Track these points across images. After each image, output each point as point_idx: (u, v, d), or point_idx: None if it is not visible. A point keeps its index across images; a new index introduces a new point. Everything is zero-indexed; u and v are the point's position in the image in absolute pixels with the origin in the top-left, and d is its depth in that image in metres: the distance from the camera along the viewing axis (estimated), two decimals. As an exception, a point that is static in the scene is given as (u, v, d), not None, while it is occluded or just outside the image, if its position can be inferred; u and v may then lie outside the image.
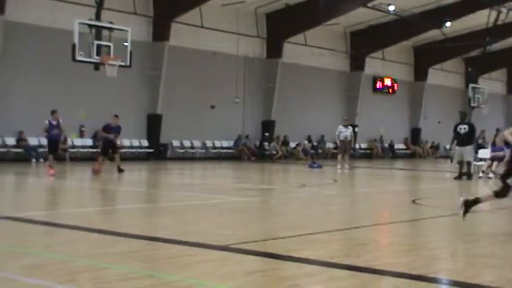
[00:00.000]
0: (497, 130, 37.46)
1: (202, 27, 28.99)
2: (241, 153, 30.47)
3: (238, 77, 30.70)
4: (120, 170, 18.72)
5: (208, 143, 30.12)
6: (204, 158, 29.28)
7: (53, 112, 18.14)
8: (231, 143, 30.79)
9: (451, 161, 27.25)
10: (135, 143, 27.77)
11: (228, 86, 30.46)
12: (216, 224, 9.43)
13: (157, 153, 27.97)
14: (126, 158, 25.94)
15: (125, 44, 21.94)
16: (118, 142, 19.37)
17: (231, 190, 15.74)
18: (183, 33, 28.19)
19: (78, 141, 26.36)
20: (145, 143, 28.06)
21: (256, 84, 31.67)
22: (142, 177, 20.82)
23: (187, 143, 29.39)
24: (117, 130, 19.04)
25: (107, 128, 19.06)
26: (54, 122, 17.93)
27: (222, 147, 30.60)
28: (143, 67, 26.79)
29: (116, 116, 19.12)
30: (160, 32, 27.61)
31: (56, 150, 18.71)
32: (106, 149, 19.00)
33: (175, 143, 29.07)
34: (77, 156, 25.72)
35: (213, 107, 29.82)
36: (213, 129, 29.96)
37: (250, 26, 31.43)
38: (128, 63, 22.19)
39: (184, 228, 8.86)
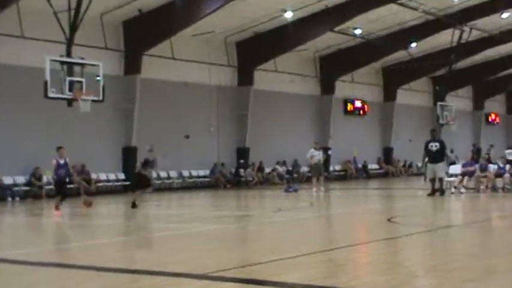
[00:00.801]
0: (474, 145, 38.22)
1: (173, 58, 29.30)
2: (218, 181, 30.66)
3: (211, 106, 31.01)
4: (134, 205, 18.39)
5: (185, 173, 30.26)
6: (181, 187, 29.39)
7: (59, 148, 17.59)
8: (207, 172, 30.96)
9: (425, 179, 27.79)
10: (111, 176, 27.80)
11: (202, 115, 30.73)
12: (195, 253, 9.55)
13: (134, 185, 28.00)
14: (102, 192, 26.07)
15: (97, 78, 21.99)
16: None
17: (209, 218, 15.87)
18: (154, 66, 28.44)
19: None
20: (121, 175, 28.10)
21: (229, 112, 31.99)
22: (120, 210, 20.86)
23: (163, 174, 29.50)
24: (152, 165, 19.42)
25: (146, 164, 19.13)
26: (62, 161, 17.33)
27: (199, 176, 30.73)
28: (116, 101, 26.92)
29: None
30: (132, 65, 27.78)
31: (64, 191, 17.71)
32: (140, 182, 19.03)
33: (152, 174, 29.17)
34: (52, 193, 25.51)
35: (187, 136, 30.02)
36: (189, 159, 30.13)
37: (221, 55, 31.83)
38: (101, 98, 22.22)
39: (164, 259, 8.95)
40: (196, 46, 30.47)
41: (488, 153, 31.12)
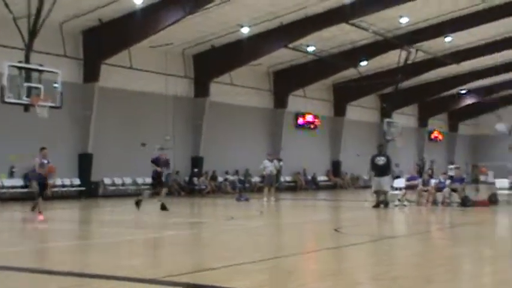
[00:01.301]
0: (421, 160, 39.49)
1: (131, 68, 29.79)
2: (172, 189, 31.18)
3: (168, 116, 31.52)
4: (164, 208, 18.31)
5: (139, 180, 30.71)
6: (135, 194, 29.70)
7: (42, 149, 17.03)
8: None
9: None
10: (67, 181, 27.97)
11: (158, 124, 31.14)
12: (147, 258, 9.70)
13: (89, 191, 28.40)
14: (57, 197, 25.77)
15: (55, 85, 22.07)
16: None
17: (162, 225, 15.67)
18: (113, 74, 28.86)
19: (8, 182, 26.22)
20: (76, 181, 28.33)
21: (185, 122, 32.56)
22: (74, 215, 20.77)
23: (118, 181, 29.91)
24: (165, 164, 19.46)
25: (156, 161, 19.33)
26: (45, 161, 16.83)
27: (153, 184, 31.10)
28: (74, 108, 27.11)
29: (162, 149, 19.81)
30: (91, 73, 28.08)
31: (45, 192, 17.10)
32: (155, 182, 19.24)
33: (107, 180, 29.56)
34: (5, 196, 25.42)
35: (143, 144, 30.48)
36: (144, 167, 30.38)
37: (178, 66, 32.40)
38: (59, 104, 22.33)
39: (115, 264, 8.96)
40: (155, 57, 31.00)
41: (431, 169, 32.37)
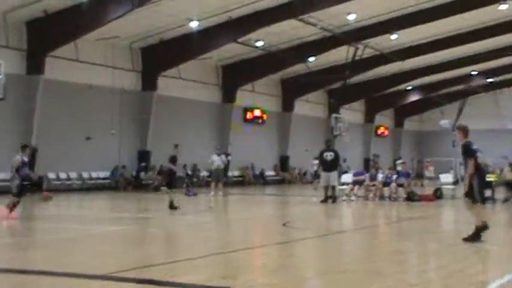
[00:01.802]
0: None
1: (77, 61, 29.26)
2: (118, 184, 30.85)
3: (114, 109, 31.10)
4: (172, 207, 17.70)
5: (85, 174, 30.24)
6: (81, 189, 29.37)
7: (24, 147, 16.15)
8: (107, 174, 31.07)
9: (314, 187, 29.28)
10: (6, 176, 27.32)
11: (104, 117, 30.73)
12: (95, 254, 9.53)
13: (33, 186, 27.72)
14: None
15: None
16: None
17: (109, 220, 15.51)
18: (58, 67, 28.27)
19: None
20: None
21: (132, 116, 32.18)
22: (16, 210, 20.58)
23: (63, 175, 29.37)
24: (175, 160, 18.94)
25: (173, 160, 18.85)
26: (26, 159, 15.84)
27: (99, 178, 30.77)
28: (17, 100, 26.47)
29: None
30: (35, 65, 27.44)
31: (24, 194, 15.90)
32: (170, 180, 18.63)
33: (51, 175, 28.97)
34: None
35: (88, 138, 30.04)
36: (90, 161, 30.12)
37: (126, 59, 31.98)
38: (1, 96, 22.00)
39: (63, 260, 8.83)
40: (102, 50, 30.54)
41: (376, 163, 32.82)
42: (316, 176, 33.55)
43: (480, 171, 11.13)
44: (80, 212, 19.67)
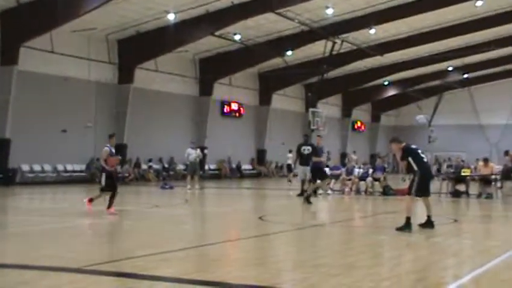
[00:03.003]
0: (354, 152, 40.19)
1: (52, 52, 28.93)
2: (94, 177, 30.54)
3: (90, 102, 30.88)
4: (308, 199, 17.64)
5: (60, 167, 29.97)
6: (55, 182, 29.08)
7: (111, 136, 15.35)
8: (83, 167, 30.81)
9: (289, 180, 29.33)
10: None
11: (80, 110, 30.50)
12: (68, 247, 9.40)
13: (6, 178, 27.42)
14: None
15: None
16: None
17: (83, 213, 15.14)
18: (33, 58, 27.96)
19: None
20: (-8, 166, 27.41)
21: (108, 109, 31.95)
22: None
23: (37, 168, 29.07)
24: None
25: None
26: (113, 150, 14.94)
27: (74, 171, 30.52)
28: (-10, 91, 26.31)
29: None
30: (8, 56, 27.08)
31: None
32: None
33: (25, 167, 28.65)
34: None
35: (64, 131, 29.77)
36: (65, 153, 29.85)
37: (102, 52, 31.69)
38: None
39: (35, 253, 8.73)
40: (77, 42, 30.24)
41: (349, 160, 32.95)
42: (290, 169, 33.93)
43: (425, 170, 11.96)
44: (54, 205, 19.43)
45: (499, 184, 23.10)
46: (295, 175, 30.86)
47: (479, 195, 21.83)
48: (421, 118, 53.46)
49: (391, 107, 58.83)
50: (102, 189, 14.82)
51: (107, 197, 14.59)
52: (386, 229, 13.05)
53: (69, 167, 30.40)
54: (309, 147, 21.84)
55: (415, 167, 11.82)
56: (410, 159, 11.90)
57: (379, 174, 23.57)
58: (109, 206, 14.38)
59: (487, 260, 8.82)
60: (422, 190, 11.83)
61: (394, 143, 12.30)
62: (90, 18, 27.46)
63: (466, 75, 50.86)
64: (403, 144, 12.23)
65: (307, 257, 8.96)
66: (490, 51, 41.36)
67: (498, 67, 49.53)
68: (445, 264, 8.62)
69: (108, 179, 14.57)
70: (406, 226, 11.51)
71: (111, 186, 14.57)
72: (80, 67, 30.43)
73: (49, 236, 11.01)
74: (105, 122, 31.67)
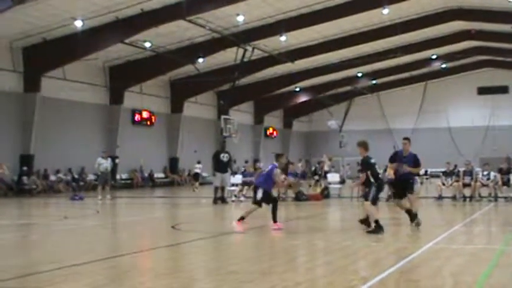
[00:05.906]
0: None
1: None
2: (-2, 190, 29.41)
3: (-8, 111, 29.71)
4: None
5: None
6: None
7: (279, 156, 14.26)
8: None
9: (195, 189, 29.41)
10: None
11: (-17, 120, 29.35)
12: None
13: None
14: None
15: None
16: None
17: None
18: None
19: None
20: None
21: (13, 119, 30.72)
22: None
23: None
24: None
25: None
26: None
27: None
28: None
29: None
30: None
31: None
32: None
33: None
34: None
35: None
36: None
37: (6, 59, 30.46)
38: None
39: None
40: (-21, 49, 29.11)
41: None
42: (195, 178, 34.08)
43: (379, 180, 12.80)
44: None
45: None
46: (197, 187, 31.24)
47: (388, 199, 22.41)
48: (333, 124, 54.59)
49: (303, 113, 59.74)
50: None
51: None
52: (299, 234, 13.23)
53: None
54: (227, 155, 22.11)
55: (372, 180, 12.60)
56: (369, 173, 12.61)
57: (291, 180, 23.79)
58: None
59: (395, 261, 9.04)
60: (379, 198, 13.06)
61: (362, 148, 12.84)
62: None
63: (374, 81, 52.41)
64: (367, 153, 12.83)
65: (220, 265, 8.97)
66: (397, 57, 42.84)
67: (405, 73, 51.34)
68: (355, 267, 8.83)
69: None
70: (378, 229, 12.33)
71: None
72: (-18, 76, 29.23)
73: None
74: (10, 132, 30.50)
